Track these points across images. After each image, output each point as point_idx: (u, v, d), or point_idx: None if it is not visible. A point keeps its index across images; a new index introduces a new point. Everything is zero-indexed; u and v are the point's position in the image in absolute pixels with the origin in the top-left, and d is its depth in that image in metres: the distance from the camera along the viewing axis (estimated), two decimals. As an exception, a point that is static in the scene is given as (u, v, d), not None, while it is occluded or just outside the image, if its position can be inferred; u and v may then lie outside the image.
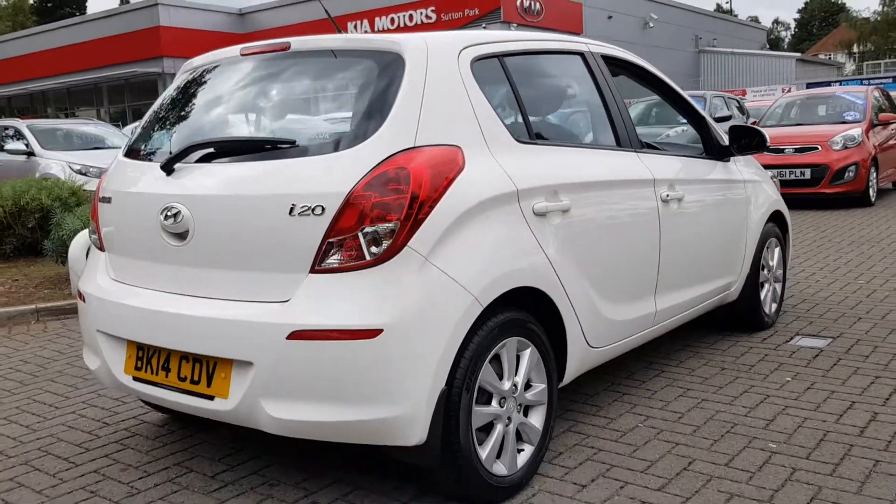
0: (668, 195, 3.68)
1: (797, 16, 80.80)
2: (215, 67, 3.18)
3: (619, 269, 3.36)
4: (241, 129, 2.98)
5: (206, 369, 2.68)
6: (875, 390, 3.71)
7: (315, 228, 2.47)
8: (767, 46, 49.58)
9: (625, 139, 3.57)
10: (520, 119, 3.03)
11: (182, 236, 2.75)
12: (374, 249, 2.43)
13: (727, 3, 40.41)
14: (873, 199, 10.98)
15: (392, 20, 28.75)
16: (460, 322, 2.51)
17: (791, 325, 4.91)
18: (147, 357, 2.87)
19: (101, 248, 3.17)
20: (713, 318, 4.74)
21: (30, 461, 3.30)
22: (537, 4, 27.74)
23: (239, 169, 2.70)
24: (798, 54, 43.54)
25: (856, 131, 10.86)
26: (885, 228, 8.71)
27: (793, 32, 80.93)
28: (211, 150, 2.79)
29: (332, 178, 2.49)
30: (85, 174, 11.16)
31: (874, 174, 11.03)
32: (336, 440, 2.54)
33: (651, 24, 33.89)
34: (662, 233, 3.64)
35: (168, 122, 3.20)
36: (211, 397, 2.65)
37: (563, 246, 2.98)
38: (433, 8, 27.66)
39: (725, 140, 4.39)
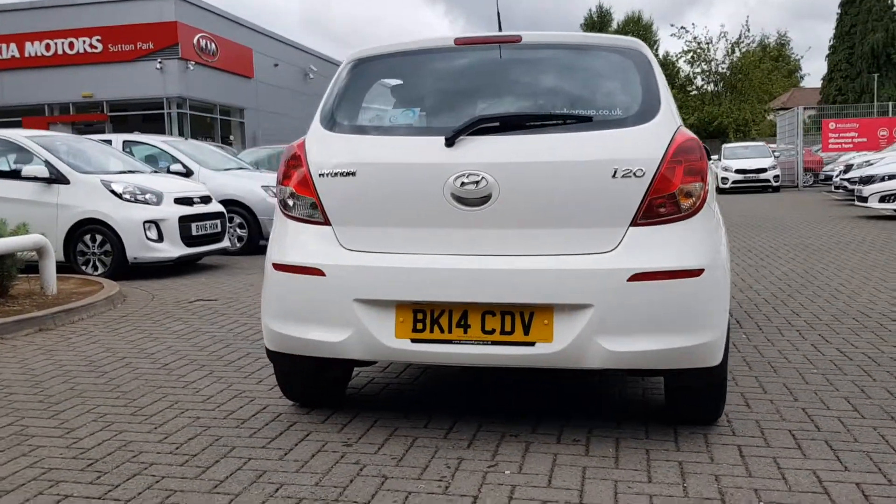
0: None
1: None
2: (426, 53, 3.38)
3: None
4: (499, 106, 3.25)
5: (520, 319, 2.93)
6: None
7: (636, 188, 2.93)
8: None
9: None
10: None
11: (477, 202, 2.96)
12: (686, 204, 2.97)
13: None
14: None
15: (48, 46, 26.13)
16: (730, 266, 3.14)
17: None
18: (432, 318, 2.98)
19: (326, 223, 3.15)
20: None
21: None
22: (213, 45, 27.42)
23: (549, 139, 3.02)
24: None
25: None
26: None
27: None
28: (496, 123, 3.05)
29: (646, 146, 2.98)
30: None
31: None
32: (658, 367, 2.97)
33: (311, 76, 35.37)
34: None
35: (398, 102, 3.32)
36: (531, 343, 2.91)
37: None
38: (98, 37, 25.79)
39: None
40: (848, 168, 19.73)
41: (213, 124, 28.69)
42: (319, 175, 3.16)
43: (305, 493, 2.71)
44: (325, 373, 3.53)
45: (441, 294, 2.96)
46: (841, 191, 19.53)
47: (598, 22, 63.66)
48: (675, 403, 3.27)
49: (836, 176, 20.82)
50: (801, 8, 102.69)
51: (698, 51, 45.65)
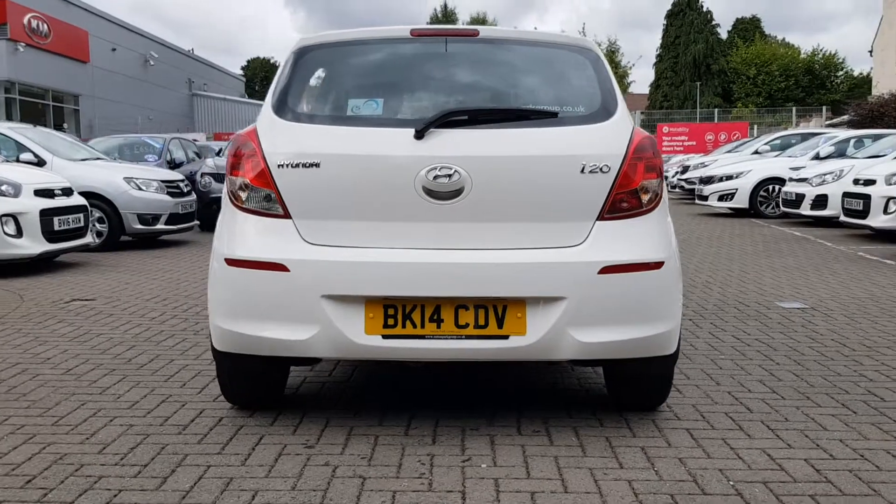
0: None
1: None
2: (380, 43, 3.30)
3: None
4: (461, 100, 3.22)
5: (493, 313, 2.94)
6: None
7: (603, 183, 3.02)
8: (246, 95, 52.80)
9: None
10: None
11: (449, 196, 2.94)
12: (645, 200, 3.09)
13: (190, 49, 42.72)
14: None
15: None
16: None
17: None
18: (403, 313, 2.93)
19: (285, 216, 3.01)
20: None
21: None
22: (45, 26, 25.39)
23: (519, 134, 3.03)
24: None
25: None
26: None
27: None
28: (465, 116, 3.03)
29: (610, 143, 3.07)
30: None
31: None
32: (624, 356, 3.08)
33: (152, 63, 33.62)
34: None
35: (355, 91, 3.21)
36: (505, 336, 2.93)
37: None
38: (-90, 12, 23.24)
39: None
40: (685, 169, 21.18)
41: (45, 111, 26.61)
42: (278, 166, 3.02)
43: (286, 498, 2.59)
44: (270, 373, 3.39)
45: (413, 289, 2.92)
46: (678, 190, 20.96)
47: (444, 22, 64.61)
48: (625, 390, 3.40)
49: (673, 176, 22.30)
50: (628, 18, 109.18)
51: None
